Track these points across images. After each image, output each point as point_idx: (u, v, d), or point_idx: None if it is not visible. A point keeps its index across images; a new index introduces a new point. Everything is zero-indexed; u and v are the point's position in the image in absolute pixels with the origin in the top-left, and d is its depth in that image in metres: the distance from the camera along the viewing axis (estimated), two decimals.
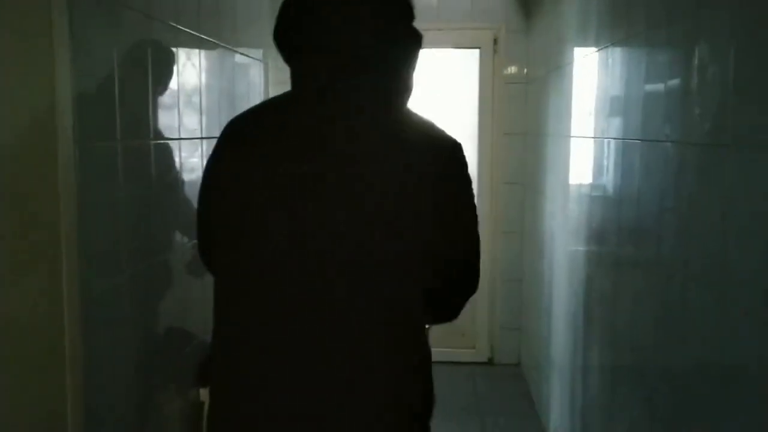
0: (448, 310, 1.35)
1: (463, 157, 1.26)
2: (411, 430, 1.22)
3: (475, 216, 1.31)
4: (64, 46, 1.28)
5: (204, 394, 1.92)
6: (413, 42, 1.30)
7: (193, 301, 2.06)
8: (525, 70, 4.11)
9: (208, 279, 2.26)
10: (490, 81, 4.18)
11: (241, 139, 1.26)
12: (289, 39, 1.28)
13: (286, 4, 1.27)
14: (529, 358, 4.01)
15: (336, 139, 1.18)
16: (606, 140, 2.23)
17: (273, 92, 3.13)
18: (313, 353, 1.14)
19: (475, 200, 1.32)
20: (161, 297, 1.83)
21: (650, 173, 1.75)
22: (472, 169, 1.35)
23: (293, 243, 1.15)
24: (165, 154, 1.84)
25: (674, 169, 1.58)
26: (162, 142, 1.81)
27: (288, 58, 1.30)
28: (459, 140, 1.26)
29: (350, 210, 1.14)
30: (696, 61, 1.44)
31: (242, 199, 1.20)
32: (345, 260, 1.14)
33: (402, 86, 1.30)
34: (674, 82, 1.60)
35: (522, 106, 4.11)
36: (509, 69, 4.15)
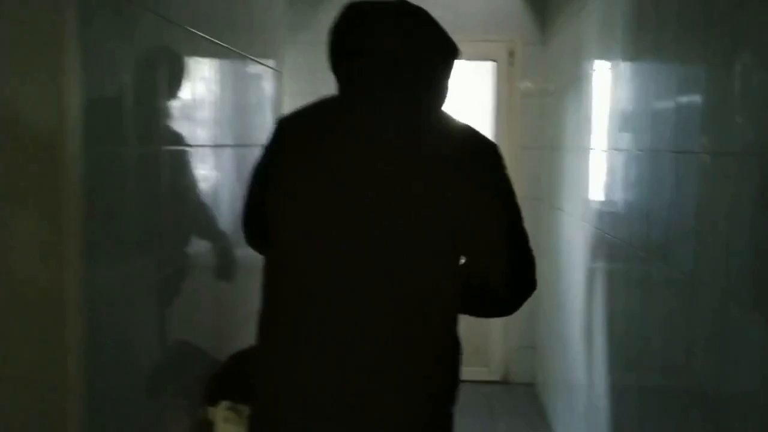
0: (500, 305, 1.41)
1: (501, 157, 1.37)
2: (437, 417, 1.29)
3: (518, 214, 1.41)
4: (74, 48, 1.23)
5: (212, 412, 1.85)
6: (452, 50, 1.48)
7: (203, 314, 2.00)
8: (541, 83, 4.06)
9: (222, 293, 2.24)
10: (505, 94, 4.13)
11: (295, 137, 1.37)
12: (342, 43, 1.40)
13: (344, 12, 1.40)
14: (545, 378, 3.92)
15: (381, 145, 1.27)
16: (632, 153, 2.17)
17: (287, 103, 3.09)
18: (349, 346, 1.24)
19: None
20: (170, 309, 1.78)
21: (683, 186, 1.69)
22: None
23: (334, 243, 1.25)
24: (177, 161, 1.80)
25: (710, 181, 1.51)
26: (174, 149, 1.76)
27: (337, 63, 1.42)
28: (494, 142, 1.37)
29: (388, 210, 1.23)
30: (737, 68, 1.38)
31: (290, 198, 1.31)
32: (383, 262, 1.23)
33: (442, 92, 1.46)
34: (710, 91, 1.54)
35: (538, 119, 4.06)
36: (525, 82, 4.10)
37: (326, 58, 1.44)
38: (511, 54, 4.09)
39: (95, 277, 1.31)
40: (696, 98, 1.63)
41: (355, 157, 1.27)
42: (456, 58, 1.48)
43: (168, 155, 1.70)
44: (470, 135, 1.35)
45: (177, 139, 1.79)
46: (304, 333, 1.27)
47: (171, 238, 1.74)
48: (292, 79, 3.72)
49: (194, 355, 1.92)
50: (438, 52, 1.44)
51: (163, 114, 1.68)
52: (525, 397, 4.05)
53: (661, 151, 1.87)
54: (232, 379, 1.88)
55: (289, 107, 3.19)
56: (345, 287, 1.24)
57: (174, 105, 1.75)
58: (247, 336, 2.19)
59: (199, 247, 1.97)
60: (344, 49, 1.40)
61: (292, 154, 1.34)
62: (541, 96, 4.05)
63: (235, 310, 2.25)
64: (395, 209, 1.23)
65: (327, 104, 1.42)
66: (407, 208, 1.23)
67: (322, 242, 1.26)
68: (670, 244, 1.78)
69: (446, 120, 1.37)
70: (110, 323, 1.40)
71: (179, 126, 1.80)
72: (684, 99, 1.71)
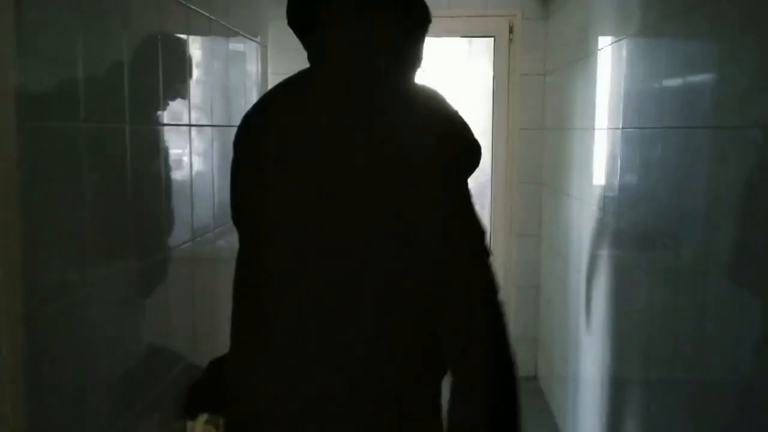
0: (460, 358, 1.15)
1: (465, 150, 1.15)
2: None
3: (459, 214, 1.14)
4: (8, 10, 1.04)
5: (191, 426, 1.67)
6: (422, 13, 1.30)
7: (180, 315, 1.82)
8: (544, 60, 3.87)
9: (201, 289, 2.06)
10: (505, 72, 3.93)
11: (253, 136, 1.26)
12: (297, 13, 1.28)
13: None
14: (548, 371, 3.77)
15: (337, 139, 1.13)
16: (648, 132, 2.02)
17: (273, 82, 2.90)
18: (318, 359, 1.15)
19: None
20: (139, 310, 1.59)
21: (711, 167, 1.54)
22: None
23: (298, 246, 1.15)
24: (146, 141, 1.60)
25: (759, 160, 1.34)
26: (142, 127, 1.57)
27: (303, 32, 1.29)
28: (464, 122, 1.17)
29: (345, 211, 1.11)
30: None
31: (253, 203, 1.23)
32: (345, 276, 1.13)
33: (411, 60, 1.30)
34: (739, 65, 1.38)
35: (540, 99, 3.87)
36: (526, 59, 3.91)
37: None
38: (511, 29, 3.89)
39: (39, 276, 1.13)
40: (725, 72, 1.49)
41: (311, 155, 1.14)
42: (427, 19, 1.31)
43: (134, 135, 1.51)
44: (435, 123, 1.14)
45: (146, 117, 1.59)
46: (276, 337, 1.19)
47: (138, 229, 1.55)
48: (278, 56, 3.54)
49: (169, 361, 1.73)
50: (402, 12, 1.27)
51: (129, 90, 1.48)
52: (527, 391, 3.88)
53: (681, 128, 1.73)
54: (213, 389, 1.69)
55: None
56: (312, 294, 1.15)
57: (142, 81, 1.56)
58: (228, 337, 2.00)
59: (174, 238, 1.78)
60: (301, 20, 1.29)
61: (251, 156, 1.25)
62: (544, 74, 3.87)
63: (217, 309, 2.07)
64: (352, 210, 1.11)
65: (287, 88, 1.28)
66: (363, 207, 1.11)
67: (285, 246, 1.17)
68: (687, 230, 1.68)
69: (413, 99, 1.18)
70: (62, 328, 1.22)
71: (149, 103, 1.61)
72: (710, 74, 1.57)
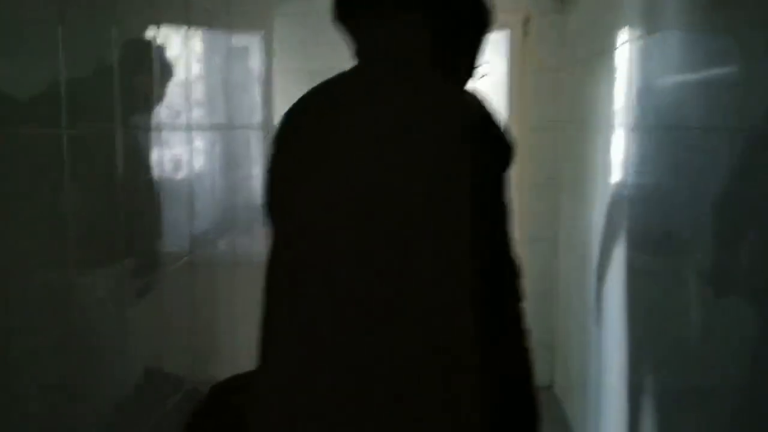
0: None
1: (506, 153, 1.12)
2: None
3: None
4: None
5: None
6: (485, 16, 1.24)
7: (177, 332, 1.69)
8: (560, 56, 3.72)
9: (201, 304, 1.93)
10: (519, 67, 3.79)
11: (304, 129, 1.18)
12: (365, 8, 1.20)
13: None
14: (565, 380, 3.64)
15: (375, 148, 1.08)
16: (677, 131, 1.92)
17: (279, 80, 2.77)
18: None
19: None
20: (130, 327, 1.46)
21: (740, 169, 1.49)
22: None
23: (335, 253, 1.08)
24: (138, 144, 1.47)
25: None
26: (134, 129, 1.44)
27: (352, 30, 1.23)
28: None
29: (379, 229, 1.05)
30: None
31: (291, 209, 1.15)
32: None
33: (468, 62, 1.25)
34: None
35: (557, 95, 3.73)
36: (541, 54, 3.77)
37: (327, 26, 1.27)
38: (526, 23, 3.75)
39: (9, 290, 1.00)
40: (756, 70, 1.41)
41: (356, 157, 1.09)
42: (489, 23, 1.25)
43: (127, 137, 1.38)
44: (480, 131, 1.10)
45: (138, 119, 1.46)
46: (323, 344, 1.09)
47: (130, 237, 1.42)
48: (285, 52, 3.42)
49: (165, 386, 1.60)
50: (465, 14, 1.22)
51: (120, 91, 1.35)
52: (543, 401, 3.76)
53: (713, 129, 1.66)
54: (215, 417, 1.57)
55: (280, 85, 2.86)
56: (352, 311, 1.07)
57: (135, 80, 1.43)
58: (234, 357, 1.86)
59: (170, 246, 1.65)
60: (351, 16, 1.22)
61: (295, 154, 1.17)
62: (561, 70, 3.73)
63: (218, 324, 1.94)
64: (394, 211, 1.06)
65: (336, 87, 1.20)
66: (405, 209, 1.06)
67: (331, 247, 1.09)
68: (716, 233, 1.61)
69: (461, 105, 1.12)
70: (30, 348, 1.09)
71: (141, 104, 1.48)
72: (739, 71, 1.51)
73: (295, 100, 1.23)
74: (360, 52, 1.22)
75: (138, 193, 1.45)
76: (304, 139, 1.16)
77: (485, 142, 1.09)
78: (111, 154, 1.32)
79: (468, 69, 1.26)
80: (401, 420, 1.06)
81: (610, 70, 2.77)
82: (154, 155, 1.53)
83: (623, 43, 2.55)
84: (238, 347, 2.17)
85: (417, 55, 1.17)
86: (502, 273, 1.11)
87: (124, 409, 1.39)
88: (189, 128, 1.73)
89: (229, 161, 2.09)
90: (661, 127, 2.08)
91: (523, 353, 1.16)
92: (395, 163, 1.06)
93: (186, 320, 1.74)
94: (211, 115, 1.91)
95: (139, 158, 1.46)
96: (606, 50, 2.82)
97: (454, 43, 1.22)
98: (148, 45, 1.50)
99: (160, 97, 1.56)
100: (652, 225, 2.14)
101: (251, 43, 2.41)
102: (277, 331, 1.14)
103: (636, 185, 2.37)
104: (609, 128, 2.77)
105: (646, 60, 2.27)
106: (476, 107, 1.12)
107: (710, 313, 1.64)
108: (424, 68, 1.17)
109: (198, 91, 1.80)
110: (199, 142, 1.81)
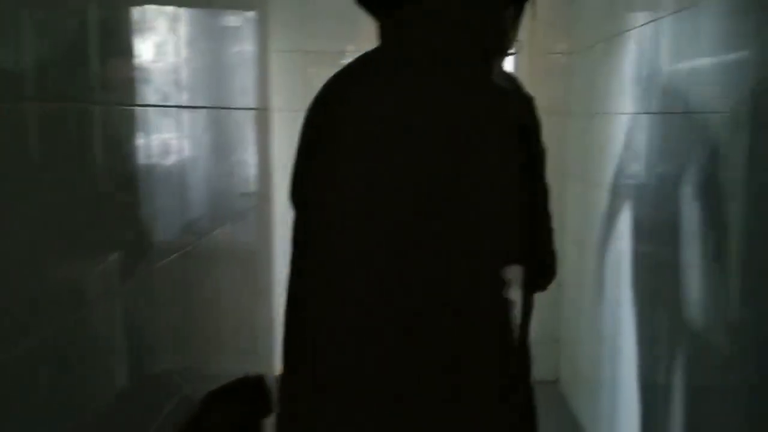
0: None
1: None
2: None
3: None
4: None
5: None
6: None
7: (166, 331, 1.59)
8: (568, 38, 3.61)
9: (194, 298, 1.84)
10: (525, 51, 3.69)
11: (335, 113, 1.12)
12: None
13: None
14: (572, 375, 3.56)
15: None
16: (693, 117, 1.90)
17: (275, 61, 2.67)
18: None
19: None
20: (114, 325, 1.37)
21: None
22: None
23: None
24: (120, 124, 1.38)
25: None
26: (118, 108, 1.34)
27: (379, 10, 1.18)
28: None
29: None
30: None
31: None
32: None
33: (502, 42, 1.24)
34: None
35: (564, 80, 3.63)
36: (549, 36, 3.66)
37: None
38: (533, 4, 3.64)
39: None
40: None
41: (394, 141, 1.06)
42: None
43: (106, 117, 1.28)
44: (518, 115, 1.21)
45: (121, 97, 1.37)
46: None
47: (111, 223, 1.33)
48: (281, 32, 3.32)
49: (154, 394, 1.51)
50: None
51: (99, 66, 1.26)
52: (549, 396, 3.68)
53: (722, 114, 1.66)
54: (212, 429, 1.47)
55: (276, 65, 2.76)
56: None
57: (115, 55, 1.33)
58: (234, 359, 1.77)
59: (160, 234, 1.56)
60: None
61: (328, 138, 1.11)
62: (569, 53, 3.62)
63: (215, 323, 1.84)
64: (437, 192, 1.06)
65: (366, 69, 1.16)
66: (446, 192, 1.06)
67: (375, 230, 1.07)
68: (732, 223, 1.61)
69: (495, 88, 1.16)
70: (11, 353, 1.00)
71: (124, 82, 1.38)
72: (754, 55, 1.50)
73: (290, 81, 1.16)
74: (390, 35, 1.17)
75: (121, 179, 1.35)
76: (348, 127, 1.09)
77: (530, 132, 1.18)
78: (88, 137, 1.22)
79: (504, 44, 1.24)
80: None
81: (620, 54, 2.69)
82: (140, 139, 1.43)
83: (636, 26, 2.49)
84: (239, 346, 2.08)
85: (456, 37, 1.13)
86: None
87: (114, 416, 1.30)
88: (179, 110, 1.63)
89: (222, 145, 1.99)
90: (671, 113, 2.07)
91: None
92: (446, 149, 1.06)
93: (180, 319, 1.65)
94: (202, 96, 1.81)
95: (119, 140, 1.37)
96: (618, 33, 2.75)
97: (493, 20, 1.18)
98: (132, 19, 1.40)
99: (146, 77, 1.46)
100: (661, 214, 2.11)
101: (244, 22, 2.31)
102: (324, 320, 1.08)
103: (652, 173, 2.31)
104: (623, 114, 2.69)
105: (656, 44, 2.24)
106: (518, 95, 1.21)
107: (720, 304, 1.64)
108: (463, 49, 1.14)
109: (190, 72, 1.70)
110: (190, 124, 1.71)
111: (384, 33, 1.18)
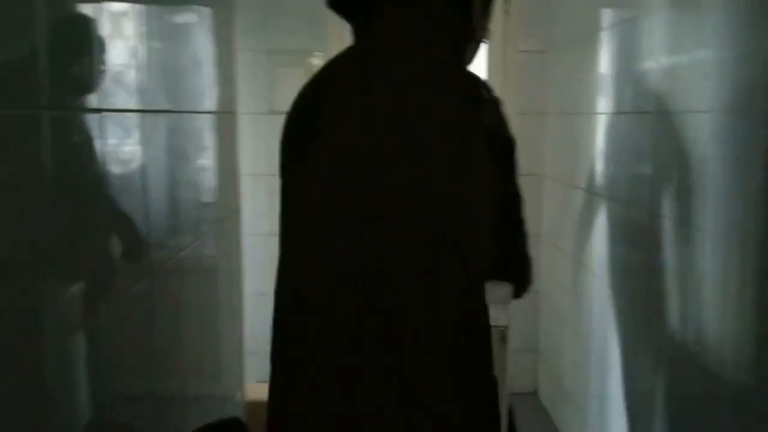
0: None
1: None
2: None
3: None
4: None
5: None
6: None
7: (131, 368, 1.44)
8: (545, 36, 3.54)
9: (164, 327, 1.69)
10: (500, 49, 3.60)
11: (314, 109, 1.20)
12: None
13: None
14: (554, 386, 3.48)
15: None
16: (669, 116, 1.93)
17: (242, 59, 2.53)
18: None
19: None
20: (65, 362, 1.22)
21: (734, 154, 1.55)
22: None
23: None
24: (69, 131, 1.23)
25: None
26: (63, 113, 1.19)
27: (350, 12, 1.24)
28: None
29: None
30: None
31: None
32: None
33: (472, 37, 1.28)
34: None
35: (540, 79, 3.55)
36: (525, 34, 3.58)
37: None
38: (507, 1, 3.56)
39: None
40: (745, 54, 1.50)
41: (366, 138, 1.12)
42: None
43: (55, 122, 1.14)
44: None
45: (69, 102, 1.22)
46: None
47: (64, 239, 1.18)
48: (249, 30, 3.19)
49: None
50: None
51: (50, 72, 1.11)
52: (528, 408, 3.59)
53: (697, 112, 1.70)
54: None
55: (243, 64, 2.61)
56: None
57: (63, 58, 1.19)
58: (201, 383, 1.63)
59: (116, 252, 1.41)
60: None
61: (307, 136, 1.19)
62: (545, 51, 3.54)
63: (177, 348, 1.70)
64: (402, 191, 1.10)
65: (343, 68, 1.22)
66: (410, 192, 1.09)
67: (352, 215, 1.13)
68: (713, 220, 1.66)
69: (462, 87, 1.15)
70: None
71: (73, 86, 1.24)
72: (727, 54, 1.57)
73: (257, 82, 1.08)
74: (362, 34, 1.23)
75: (68, 188, 1.20)
76: (324, 123, 1.16)
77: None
78: (35, 145, 1.08)
79: (475, 34, 1.27)
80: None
81: (599, 52, 2.63)
82: (95, 145, 1.29)
83: (613, 24, 2.48)
84: (202, 369, 1.94)
85: (425, 30, 1.18)
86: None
87: None
88: (141, 113, 1.49)
89: (182, 152, 1.85)
90: (647, 111, 2.10)
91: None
92: (410, 146, 1.08)
93: (145, 350, 1.50)
94: (164, 98, 1.67)
95: (69, 147, 1.22)
96: (595, 31, 2.70)
97: (462, 11, 1.23)
98: (86, 21, 1.25)
99: (101, 79, 1.32)
100: (640, 216, 2.11)
101: (205, 19, 2.16)
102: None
103: (631, 174, 2.29)
104: (594, 114, 2.64)
105: (631, 43, 2.25)
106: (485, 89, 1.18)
107: (701, 310, 1.69)
108: (433, 43, 1.18)
109: (139, 72, 1.56)
110: (146, 130, 1.57)
111: (356, 33, 1.23)
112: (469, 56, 1.29)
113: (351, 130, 1.13)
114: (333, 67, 1.23)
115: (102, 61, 1.32)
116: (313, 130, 1.17)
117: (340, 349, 1.11)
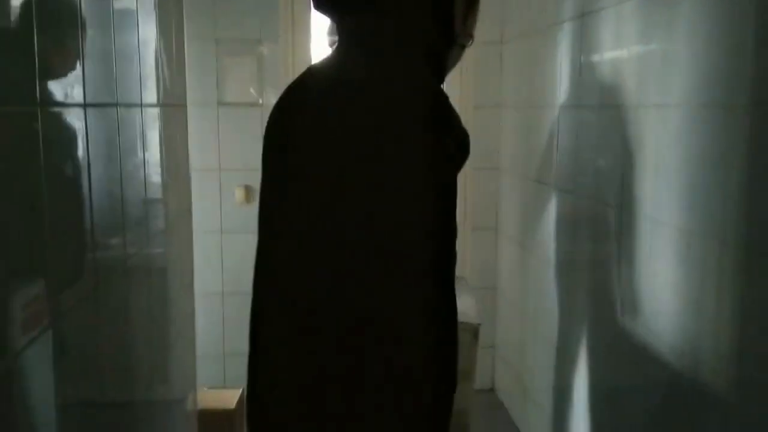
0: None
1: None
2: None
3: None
4: None
5: None
6: None
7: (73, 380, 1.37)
8: (501, 27, 3.52)
9: (105, 328, 1.61)
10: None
11: (295, 118, 1.29)
12: None
13: None
14: (511, 382, 3.48)
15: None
16: (632, 108, 1.94)
17: (189, 48, 2.45)
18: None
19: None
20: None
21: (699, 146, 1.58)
22: None
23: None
24: (8, 124, 1.15)
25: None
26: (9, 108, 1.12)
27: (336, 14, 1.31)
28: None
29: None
30: None
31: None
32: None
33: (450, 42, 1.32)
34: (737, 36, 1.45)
35: (497, 72, 3.54)
36: (480, 25, 3.55)
37: None
38: None
39: None
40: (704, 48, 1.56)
41: (337, 149, 1.22)
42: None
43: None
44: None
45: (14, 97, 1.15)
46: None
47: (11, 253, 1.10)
48: (198, 19, 3.11)
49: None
50: None
51: None
52: (485, 405, 3.60)
53: (671, 106, 1.71)
54: None
55: (190, 53, 2.53)
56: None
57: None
58: (152, 390, 1.56)
59: (61, 261, 1.33)
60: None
61: (290, 143, 1.29)
62: (501, 43, 3.52)
63: (137, 358, 1.63)
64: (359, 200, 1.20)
65: (324, 73, 1.32)
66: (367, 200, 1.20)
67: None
68: (671, 212, 1.70)
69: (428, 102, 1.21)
70: None
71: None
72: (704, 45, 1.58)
73: (205, 72, 1.02)
74: (345, 38, 1.29)
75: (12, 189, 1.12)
76: (298, 136, 1.26)
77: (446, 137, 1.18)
78: None
79: (455, 38, 1.31)
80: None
81: (556, 44, 2.63)
82: (35, 141, 1.21)
83: (570, 17, 2.48)
84: (151, 376, 1.86)
85: (403, 41, 1.24)
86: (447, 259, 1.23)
87: None
88: (81, 107, 1.41)
89: (124, 148, 1.77)
90: (605, 104, 2.12)
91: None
92: (367, 157, 1.17)
93: (94, 351, 1.43)
94: (106, 91, 1.59)
95: (13, 145, 1.14)
96: (552, 23, 2.71)
97: (446, 19, 1.28)
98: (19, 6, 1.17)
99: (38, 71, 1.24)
100: (598, 209, 2.11)
101: (146, 8, 2.08)
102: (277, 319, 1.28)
103: (588, 168, 2.30)
104: (551, 107, 2.64)
105: (588, 36, 2.26)
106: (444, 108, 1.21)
107: (662, 302, 1.72)
108: (412, 55, 1.24)
109: (68, 63, 1.47)
110: (85, 125, 1.49)
111: (340, 31, 1.29)
112: (452, 62, 1.34)
113: (316, 148, 1.22)
114: (306, 86, 1.31)
115: (38, 51, 1.25)
116: (284, 147, 1.29)
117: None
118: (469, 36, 1.36)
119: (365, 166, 1.17)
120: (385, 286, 1.19)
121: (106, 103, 1.62)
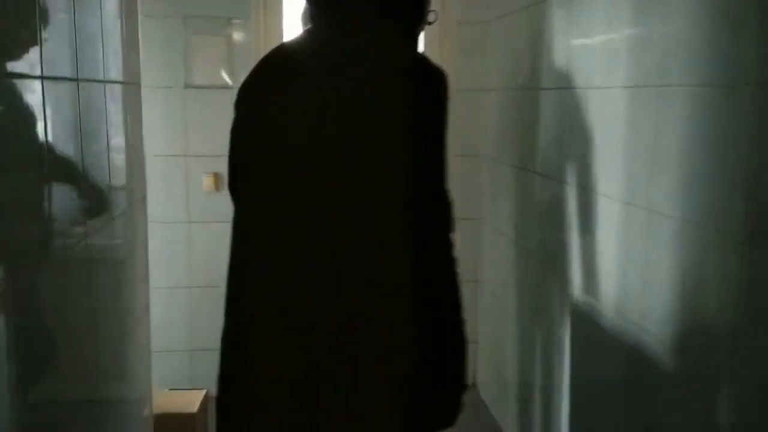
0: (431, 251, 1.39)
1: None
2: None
3: None
4: None
5: None
6: None
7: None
8: (486, 6, 3.43)
9: (59, 318, 1.52)
10: (437, 21, 3.50)
11: (272, 91, 1.38)
12: None
13: None
14: (494, 379, 3.43)
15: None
16: (616, 90, 1.92)
17: (154, 26, 2.34)
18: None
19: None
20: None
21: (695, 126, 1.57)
22: None
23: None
24: None
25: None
26: None
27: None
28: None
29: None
30: None
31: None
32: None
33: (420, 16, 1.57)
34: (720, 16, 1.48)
35: (482, 53, 3.46)
36: (464, 4, 3.48)
37: None
38: None
39: None
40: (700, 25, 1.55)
41: (325, 117, 1.31)
42: None
43: None
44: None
45: None
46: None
47: None
48: None
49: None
50: None
51: None
52: (467, 403, 3.54)
53: (651, 86, 1.74)
54: None
55: (155, 31, 2.42)
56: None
57: None
58: (105, 386, 1.49)
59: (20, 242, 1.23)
60: None
61: (267, 116, 1.38)
62: (485, 22, 3.44)
63: (79, 347, 1.54)
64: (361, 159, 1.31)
65: (299, 50, 1.43)
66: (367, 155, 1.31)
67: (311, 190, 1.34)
68: (658, 197, 1.71)
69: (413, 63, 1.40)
70: None
71: None
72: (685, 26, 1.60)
73: (169, 51, 0.97)
74: (317, 17, 1.40)
75: None
76: (274, 105, 1.34)
77: (426, 89, 1.33)
78: None
79: (420, 17, 1.53)
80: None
81: (543, 22, 2.57)
82: None
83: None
84: (106, 372, 1.77)
85: (375, 17, 1.39)
86: (439, 204, 1.37)
87: None
88: (38, 79, 1.31)
89: (86, 127, 1.67)
90: (585, 87, 2.15)
91: (452, 276, 1.42)
92: (351, 114, 1.28)
93: (47, 345, 1.33)
94: (64, 63, 1.50)
95: None
96: (528, 5, 2.64)
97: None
98: None
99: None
100: (599, 197, 2.07)
101: None
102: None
103: (576, 153, 2.26)
104: (547, 90, 2.59)
105: (567, 18, 2.28)
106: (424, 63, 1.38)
107: (644, 293, 1.75)
108: (381, 29, 1.38)
109: (49, 33, 1.38)
110: (44, 100, 1.39)
111: (313, 11, 1.41)
112: (417, 39, 1.53)
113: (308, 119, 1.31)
114: (283, 56, 1.42)
115: None
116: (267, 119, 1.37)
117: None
118: (430, 13, 1.55)
119: (352, 143, 1.27)
120: (377, 280, 1.27)
121: (65, 77, 1.53)
